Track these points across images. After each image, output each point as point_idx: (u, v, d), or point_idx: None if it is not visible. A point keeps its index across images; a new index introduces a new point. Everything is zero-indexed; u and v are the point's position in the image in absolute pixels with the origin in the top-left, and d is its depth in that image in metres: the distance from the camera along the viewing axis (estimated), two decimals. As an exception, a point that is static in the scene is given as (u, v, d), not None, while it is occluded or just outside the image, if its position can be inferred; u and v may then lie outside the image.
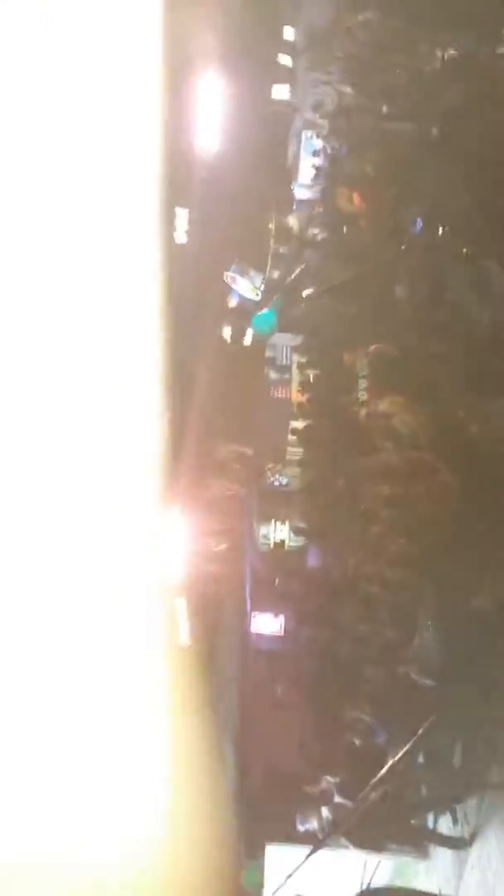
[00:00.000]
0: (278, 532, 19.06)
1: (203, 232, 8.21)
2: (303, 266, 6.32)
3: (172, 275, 7.59)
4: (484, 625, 6.86)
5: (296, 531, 16.50)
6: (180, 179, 7.56)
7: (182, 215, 7.70)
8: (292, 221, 10.31)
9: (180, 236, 7.79)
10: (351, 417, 10.73)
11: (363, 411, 10.24)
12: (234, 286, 7.76)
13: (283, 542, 18.74)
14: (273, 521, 19.12)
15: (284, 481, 19.35)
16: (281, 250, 9.47)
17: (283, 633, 14.73)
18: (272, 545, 18.95)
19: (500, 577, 6.84)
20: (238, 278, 7.71)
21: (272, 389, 19.23)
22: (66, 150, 7.21)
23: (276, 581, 16.04)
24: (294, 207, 10.75)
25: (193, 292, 7.91)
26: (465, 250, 4.44)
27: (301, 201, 14.00)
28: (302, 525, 15.04)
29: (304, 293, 4.56)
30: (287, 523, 18.61)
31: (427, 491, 7.99)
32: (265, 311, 5.19)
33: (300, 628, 12.67)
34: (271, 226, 9.74)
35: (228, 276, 7.72)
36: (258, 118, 10.49)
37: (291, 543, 18.03)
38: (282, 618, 14.79)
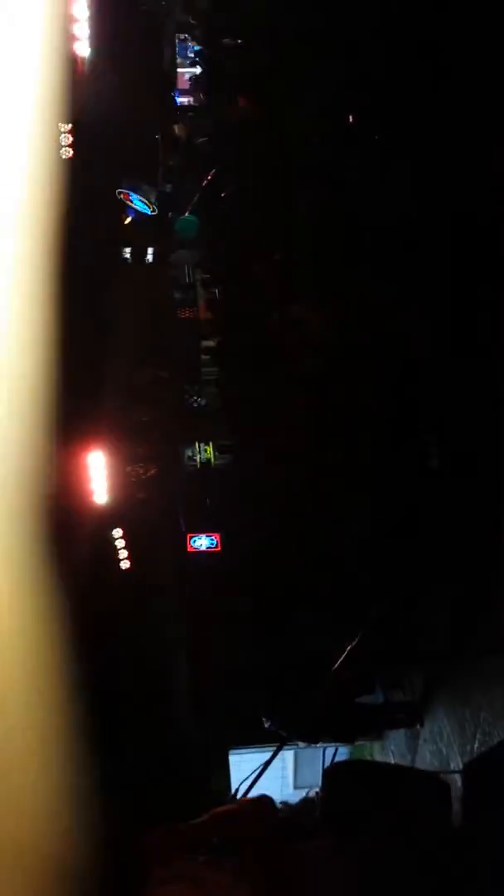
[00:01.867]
0: (203, 452, 19.15)
1: (87, 147, 7.80)
2: (213, 170, 6.09)
3: (61, 194, 7.21)
4: (414, 509, 7.09)
5: (220, 450, 16.58)
6: (55, 92, 7.10)
7: (63, 129, 7.25)
8: (178, 131, 9.89)
9: (65, 152, 7.36)
10: (263, 329, 10.67)
11: (273, 321, 10.18)
12: (127, 203, 7.43)
13: (209, 461, 18.85)
14: (197, 442, 19.17)
15: (203, 402, 19.31)
16: (170, 162, 9.13)
17: (219, 550, 14.97)
18: (199, 465, 19.05)
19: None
20: (131, 194, 7.38)
21: (179, 310, 18.93)
22: None
23: (207, 500, 16.19)
24: (178, 115, 10.33)
25: (85, 211, 7.57)
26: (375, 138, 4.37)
27: (184, 108, 13.47)
28: (226, 443, 15.13)
29: (221, 195, 4.38)
30: (211, 443, 18.69)
31: (345, 396, 8.08)
32: (187, 214, 4.97)
33: (236, 544, 12.90)
34: (157, 137, 9.34)
35: (121, 192, 7.38)
36: (130, 22, 9.90)
37: (218, 462, 18.17)
38: (216, 536, 15.01)
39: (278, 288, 9.17)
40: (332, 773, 5.20)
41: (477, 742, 6.50)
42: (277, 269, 9.14)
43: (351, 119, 4.87)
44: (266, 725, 9.96)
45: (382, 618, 7.75)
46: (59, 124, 7.04)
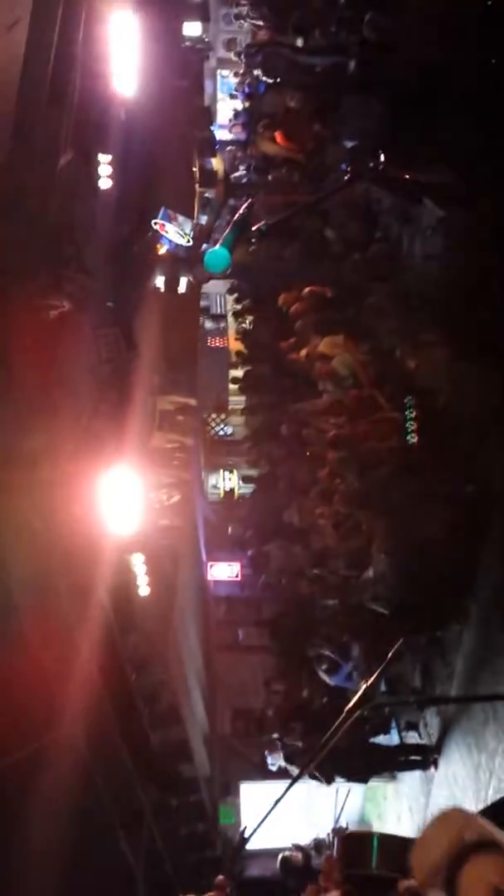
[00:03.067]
0: (227, 481, 19.19)
1: (126, 177, 7.96)
2: (248, 202, 6.14)
3: (98, 223, 7.37)
4: (433, 552, 7.03)
5: (244, 479, 16.62)
6: (97, 123, 7.28)
7: (104, 161, 7.41)
8: (216, 164, 10.07)
9: (104, 182, 7.51)
10: (290, 361, 10.74)
11: (303, 354, 10.24)
12: (162, 233, 7.54)
13: (232, 490, 18.89)
14: (221, 470, 19.22)
15: (229, 430, 19.41)
16: (207, 194, 9.26)
17: (239, 579, 14.92)
18: (222, 494, 19.09)
19: (444, 507, 6.96)
20: (167, 224, 7.49)
21: (209, 339, 19.13)
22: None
23: (230, 529, 16.18)
24: (217, 149, 10.52)
25: (122, 241, 7.71)
26: (398, 177, 4.41)
27: (223, 142, 13.72)
28: (250, 473, 15.16)
29: (255, 228, 4.40)
30: (235, 472, 18.74)
31: (371, 428, 8.09)
32: (218, 247, 4.97)
33: (256, 574, 12.87)
34: (195, 169, 9.51)
35: (157, 222, 7.50)
36: (172, 58, 10.15)
37: (241, 491, 18.18)
38: (237, 564, 14.97)
39: (307, 321, 9.21)
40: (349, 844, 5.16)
41: (492, 789, 6.37)
42: (308, 303, 9.20)
43: (382, 157, 4.92)
44: (271, 765, 9.88)
45: (401, 656, 7.70)
46: (100, 154, 7.24)
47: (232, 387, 17.28)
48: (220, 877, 2.71)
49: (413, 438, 7.37)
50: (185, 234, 7.57)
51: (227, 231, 5.10)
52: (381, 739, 8.91)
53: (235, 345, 16.91)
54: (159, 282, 9.03)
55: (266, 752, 9.98)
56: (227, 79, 18.68)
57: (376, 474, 7.40)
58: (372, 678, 3.06)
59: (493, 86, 5.63)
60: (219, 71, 19.83)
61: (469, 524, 6.80)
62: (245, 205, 6.34)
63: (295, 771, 8.07)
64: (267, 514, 12.69)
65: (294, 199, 8.10)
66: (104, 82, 7.53)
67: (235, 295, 15.23)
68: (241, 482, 18.18)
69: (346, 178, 6.17)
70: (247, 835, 2.86)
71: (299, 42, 9.37)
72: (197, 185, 9.14)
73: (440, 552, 7.06)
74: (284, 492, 11.57)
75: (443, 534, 7.02)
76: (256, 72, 12.88)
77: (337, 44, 8.11)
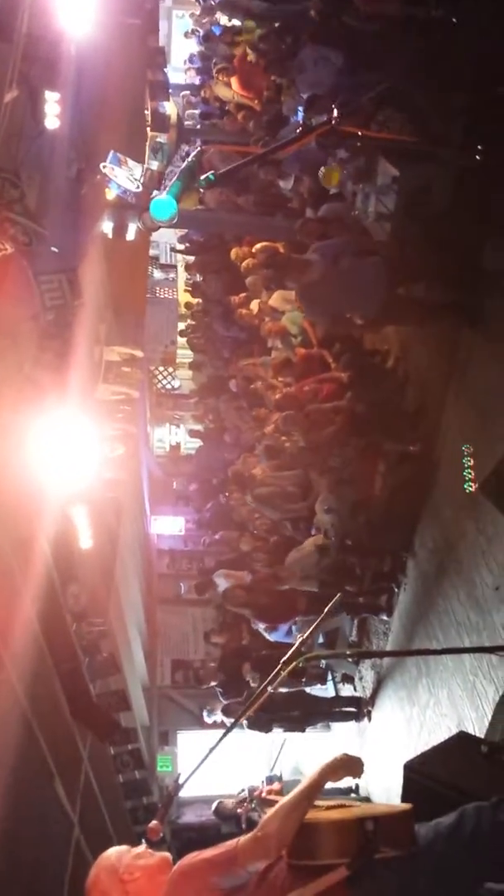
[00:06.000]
0: (173, 435, 19.10)
1: (74, 118, 7.66)
2: (197, 150, 5.94)
3: (44, 164, 7.09)
4: (375, 510, 7.15)
5: (191, 434, 16.56)
6: (45, 60, 6.96)
7: (52, 99, 7.10)
8: (169, 108, 9.74)
9: (52, 122, 7.21)
10: (240, 316, 10.64)
11: (253, 310, 10.16)
12: (111, 177, 7.30)
13: (178, 444, 18.82)
14: (167, 424, 19.09)
15: (177, 384, 19.23)
16: (158, 139, 8.99)
17: (183, 533, 14.97)
18: (168, 448, 19.00)
19: (387, 467, 7.06)
20: (116, 168, 7.25)
21: (157, 289, 18.79)
22: None
23: (174, 484, 16.18)
24: (170, 92, 10.19)
25: (69, 184, 7.44)
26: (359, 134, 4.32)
27: (177, 86, 13.28)
28: (197, 427, 15.10)
29: (203, 176, 4.23)
30: (182, 426, 18.64)
31: (318, 387, 8.11)
32: (164, 196, 4.80)
33: (200, 530, 12.92)
34: (147, 112, 9.18)
35: (106, 166, 7.25)
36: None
37: (187, 446, 18.12)
38: (181, 518, 15.01)
39: (260, 278, 9.10)
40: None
41: (421, 740, 6.61)
42: (260, 258, 9.09)
43: (336, 111, 4.82)
44: (208, 718, 10.06)
45: (338, 612, 7.86)
46: (47, 92, 6.92)
47: (180, 340, 17.10)
48: (154, 822, 2.75)
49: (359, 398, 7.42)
50: (135, 179, 7.36)
51: (175, 178, 4.94)
52: (317, 692, 9.13)
53: (185, 296, 16.68)
54: (107, 228, 8.77)
55: (205, 708, 10.17)
56: (183, 19, 18.06)
57: (322, 433, 7.44)
58: (308, 631, 3.10)
59: (451, 43, 5.57)
60: (174, 11, 19.16)
61: (411, 484, 6.93)
62: (194, 152, 6.16)
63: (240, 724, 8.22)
64: (213, 469, 12.72)
65: (246, 148, 7.92)
66: (53, 18, 7.20)
67: (186, 245, 14.97)
68: (187, 437, 18.13)
69: (299, 129, 6.06)
70: (181, 781, 2.91)
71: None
72: (148, 129, 8.85)
73: (382, 511, 7.20)
74: (231, 447, 11.59)
75: (385, 493, 7.15)
76: (214, 14, 12.50)
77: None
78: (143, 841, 2.72)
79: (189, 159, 5.37)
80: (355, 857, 2.34)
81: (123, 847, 2.65)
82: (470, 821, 2.51)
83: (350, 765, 2.55)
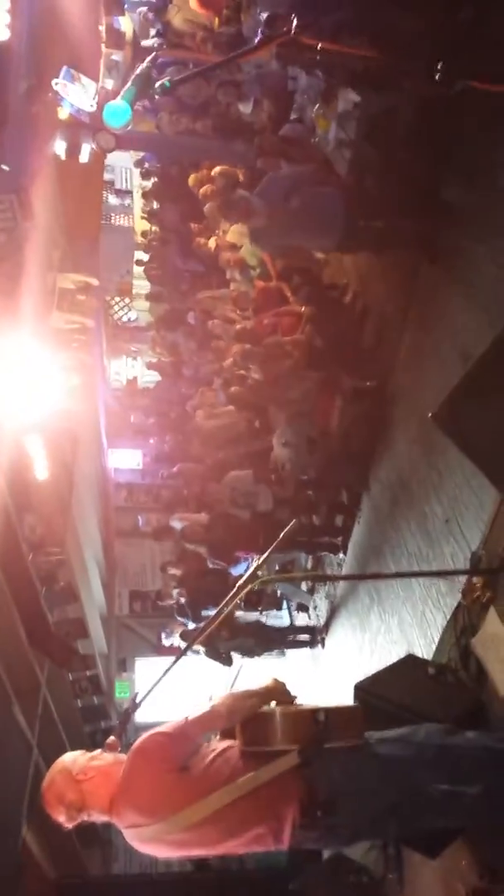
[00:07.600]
0: (130, 368, 18.81)
1: (26, 30, 7.26)
2: (153, 56, 5.66)
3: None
4: (332, 445, 7.20)
5: (148, 366, 16.34)
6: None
7: (2, 8, 6.71)
8: (125, 24, 9.30)
9: (2, 32, 6.83)
10: (198, 246, 10.43)
11: (211, 240, 9.96)
12: (64, 94, 6.98)
13: (135, 378, 18.57)
14: (124, 356, 18.78)
15: (133, 316, 18.84)
16: (114, 56, 8.61)
17: (141, 467, 14.96)
18: (125, 381, 18.74)
19: (344, 401, 7.08)
20: (69, 85, 6.92)
21: (112, 216, 18.18)
22: None
23: (132, 417, 16.05)
24: (126, 8, 9.69)
25: (19, 101, 7.09)
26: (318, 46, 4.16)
27: (133, 1, 12.64)
28: (154, 360, 14.91)
29: (158, 84, 4.03)
30: (139, 359, 18.35)
31: (276, 321, 8.05)
32: (119, 101, 4.56)
33: (158, 461, 12.92)
34: (102, 28, 8.76)
35: (58, 83, 6.92)
36: None
37: (144, 379, 17.89)
38: (139, 452, 14.97)
39: (218, 205, 8.89)
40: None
41: (372, 665, 6.83)
42: (218, 184, 8.86)
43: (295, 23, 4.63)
44: (166, 640, 10.25)
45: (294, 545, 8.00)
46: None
47: (137, 269, 16.68)
48: (111, 738, 2.86)
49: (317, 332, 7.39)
50: (90, 97, 7.04)
51: (128, 84, 4.73)
52: (273, 621, 9.37)
53: (142, 224, 16.21)
54: (60, 148, 8.43)
55: (164, 630, 10.35)
56: None
57: (279, 367, 7.42)
58: (263, 556, 3.17)
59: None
60: None
61: (367, 419, 6.98)
62: (150, 57, 5.88)
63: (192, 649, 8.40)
64: (171, 403, 12.64)
65: (204, 56, 7.62)
66: None
67: (143, 169, 14.48)
68: (144, 370, 17.89)
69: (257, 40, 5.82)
70: (137, 700, 3.00)
71: None
72: (103, 46, 8.46)
73: (338, 445, 7.26)
74: (188, 381, 11.50)
75: (342, 428, 7.20)
76: None
77: None
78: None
79: (145, 63, 5.14)
80: (307, 745, 2.53)
81: (78, 752, 2.79)
82: (420, 732, 2.73)
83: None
